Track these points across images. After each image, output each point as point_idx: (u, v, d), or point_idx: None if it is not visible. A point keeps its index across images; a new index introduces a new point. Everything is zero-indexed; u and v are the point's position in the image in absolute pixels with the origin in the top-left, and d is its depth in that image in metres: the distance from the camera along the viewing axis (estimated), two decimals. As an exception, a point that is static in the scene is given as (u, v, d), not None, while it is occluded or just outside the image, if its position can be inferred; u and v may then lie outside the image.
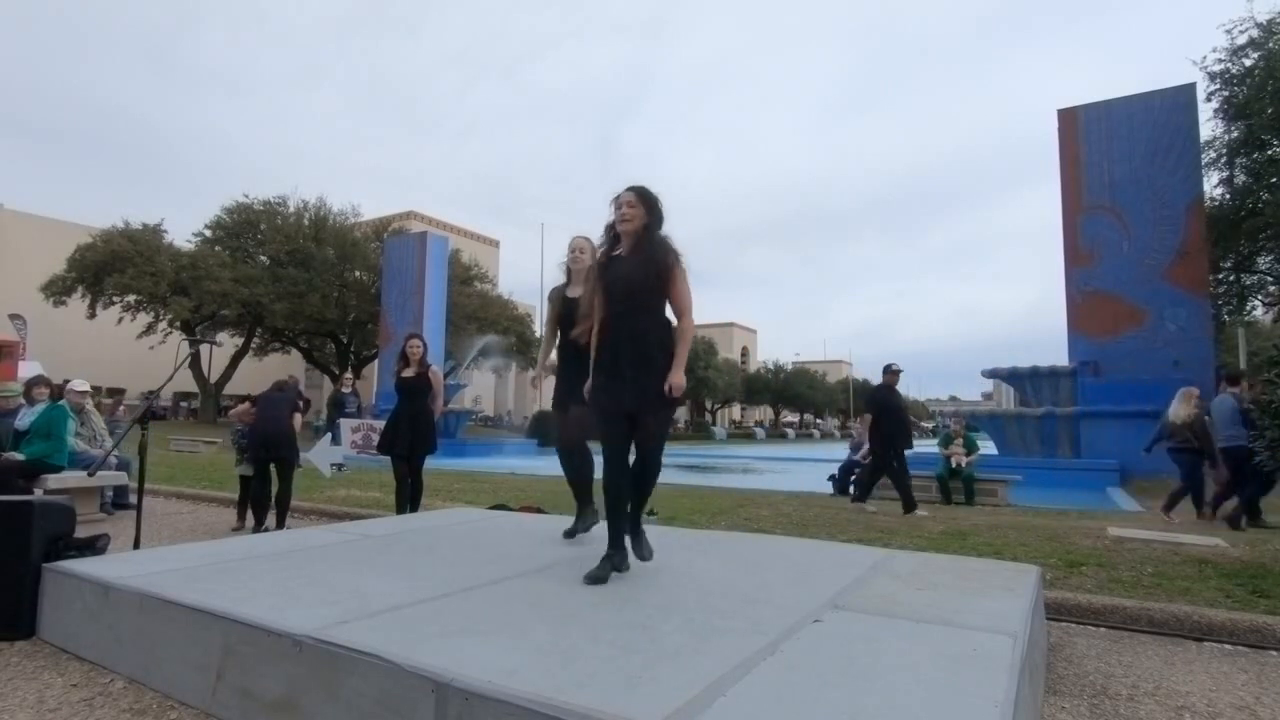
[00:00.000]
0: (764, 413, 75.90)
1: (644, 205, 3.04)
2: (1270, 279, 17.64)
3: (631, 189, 3.07)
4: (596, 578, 2.85)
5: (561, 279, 3.91)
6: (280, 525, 5.76)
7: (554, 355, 3.98)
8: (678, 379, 2.89)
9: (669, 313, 3.06)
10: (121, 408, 11.19)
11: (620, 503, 3.03)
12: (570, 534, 3.85)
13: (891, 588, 2.88)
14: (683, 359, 2.93)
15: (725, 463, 23.15)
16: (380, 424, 8.40)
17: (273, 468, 5.87)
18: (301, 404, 6.23)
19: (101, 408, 8.95)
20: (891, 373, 7.82)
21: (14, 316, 24.77)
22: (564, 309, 3.74)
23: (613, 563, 2.95)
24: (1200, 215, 14.88)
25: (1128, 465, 12.67)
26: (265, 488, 5.91)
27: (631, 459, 3.06)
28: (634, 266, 2.98)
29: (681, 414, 61.34)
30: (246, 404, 6.22)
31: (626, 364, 2.94)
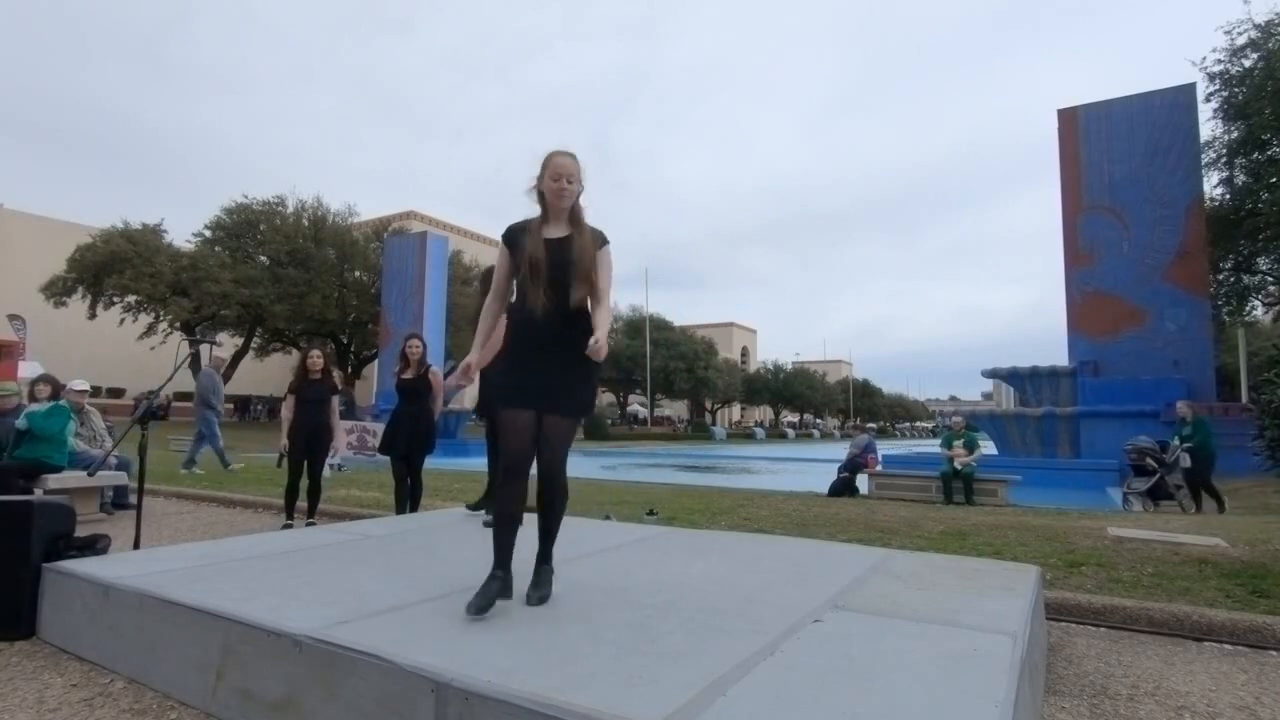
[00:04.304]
0: (764, 413, 75.91)
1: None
2: (1270, 279, 17.66)
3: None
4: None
5: (532, 209, 2.67)
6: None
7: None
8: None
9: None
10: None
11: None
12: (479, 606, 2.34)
13: (891, 588, 2.88)
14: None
15: (725, 463, 23.16)
16: (374, 426, 8.41)
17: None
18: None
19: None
20: None
21: (13, 317, 24.76)
22: (552, 255, 2.54)
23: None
24: (1200, 215, 14.90)
25: (1128, 465, 12.67)
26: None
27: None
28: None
29: (682, 414, 61.33)
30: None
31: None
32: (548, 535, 2.68)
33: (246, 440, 20.40)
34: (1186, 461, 9.13)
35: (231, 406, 41.99)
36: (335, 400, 5.95)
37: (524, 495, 2.60)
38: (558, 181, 2.57)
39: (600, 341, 2.44)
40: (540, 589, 2.58)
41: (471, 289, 38.01)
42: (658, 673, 1.83)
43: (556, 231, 2.61)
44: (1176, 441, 9.33)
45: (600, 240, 2.65)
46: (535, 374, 2.55)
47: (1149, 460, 9.36)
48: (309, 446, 5.75)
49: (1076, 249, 15.90)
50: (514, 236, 2.65)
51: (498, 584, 2.43)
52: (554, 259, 2.54)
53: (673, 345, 48.58)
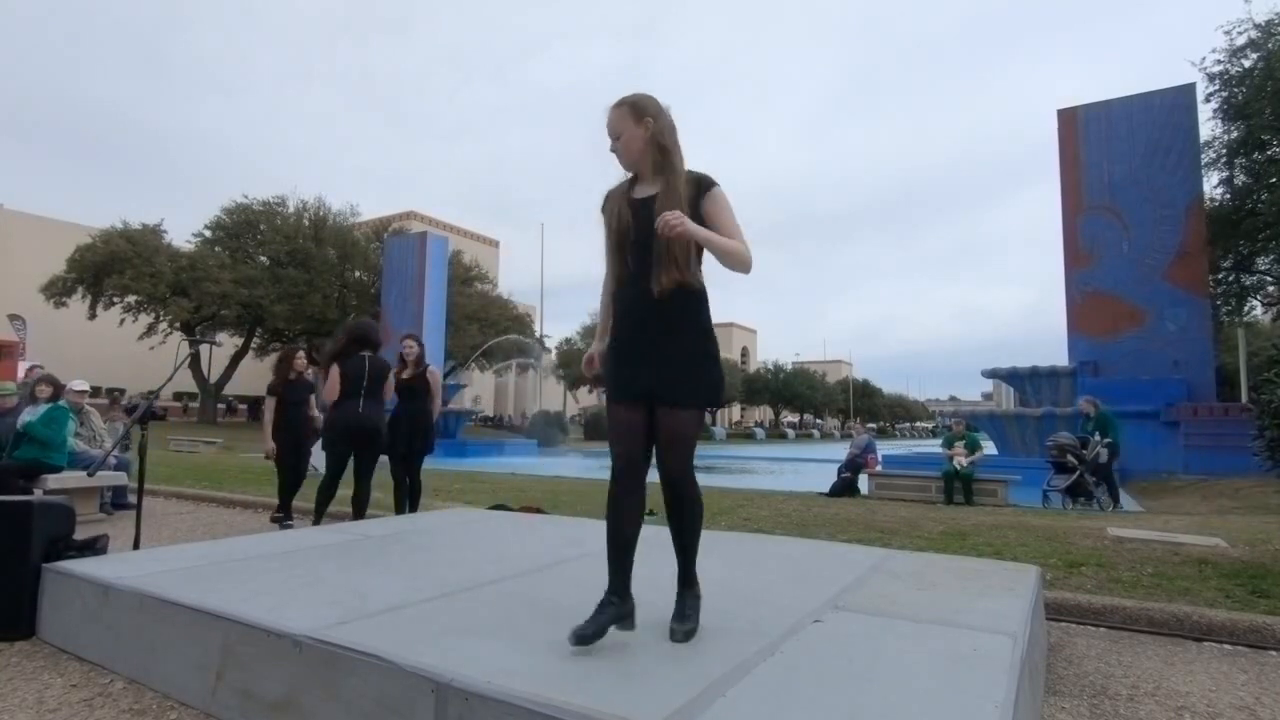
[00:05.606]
0: (764, 413, 75.91)
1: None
2: (1270, 279, 17.64)
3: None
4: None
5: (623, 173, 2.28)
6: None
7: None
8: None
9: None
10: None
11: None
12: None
13: (891, 588, 2.88)
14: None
15: (725, 463, 23.16)
16: None
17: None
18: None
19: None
20: None
21: (13, 317, 24.78)
22: (638, 218, 2.14)
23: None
24: (1200, 215, 14.91)
25: (1127, 465, 12.68)
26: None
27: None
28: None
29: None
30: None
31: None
32: (684, 553, 2.27)
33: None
34: (1105, 456, 9.04)
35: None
36: (313, 398, 5.98)
37: (639, 509, 2.18)
38: (611, 142, 2.22)
39: (681, 220, 1.97)
40: (685, 622, 2.15)
41: (471, 289, 38.10)
42: (658, 673, 1.83)
43: (646, 190, 2.19)
44: (1097, 437, 9.20)
45: (703, 185, 2.17)
46: (640, 362, 2.13)
47: (1069, 457, 9.20)
48: (296, 448, 5.78)
49: (1076, 249, 15.91)
50: (605, 203, 2.28)
51: (612, 610, 2.07)
52: (640, 222, 2.12)
53: (673, 345, 48.51)
